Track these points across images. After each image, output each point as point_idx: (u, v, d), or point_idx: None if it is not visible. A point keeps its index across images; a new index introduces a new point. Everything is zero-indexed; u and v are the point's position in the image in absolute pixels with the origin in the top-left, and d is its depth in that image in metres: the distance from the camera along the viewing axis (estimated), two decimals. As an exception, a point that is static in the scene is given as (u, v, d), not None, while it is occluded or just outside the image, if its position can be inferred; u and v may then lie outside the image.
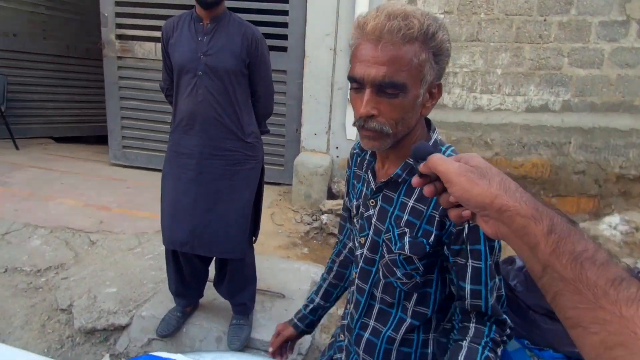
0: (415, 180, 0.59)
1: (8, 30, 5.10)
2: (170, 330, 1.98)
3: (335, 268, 1.24)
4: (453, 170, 0.51)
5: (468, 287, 0.85)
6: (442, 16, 3.28)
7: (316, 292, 1.26)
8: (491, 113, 3.47)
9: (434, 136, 0.92)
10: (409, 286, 0.91)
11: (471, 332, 0.86)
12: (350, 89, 0.86)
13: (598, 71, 3.33)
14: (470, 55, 3.37)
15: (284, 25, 3.72)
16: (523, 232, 0.45)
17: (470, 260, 0.84)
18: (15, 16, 5.12)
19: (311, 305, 1.25)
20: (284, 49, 3.75)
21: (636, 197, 3.53)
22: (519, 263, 1.08)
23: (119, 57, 4.17)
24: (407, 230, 0.88)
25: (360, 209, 0.99)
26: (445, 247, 0.87)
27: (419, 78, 0.80)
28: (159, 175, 1.98)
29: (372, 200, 0.95)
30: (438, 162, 0.54)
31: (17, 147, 4.72)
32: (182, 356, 0.83)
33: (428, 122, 0.94)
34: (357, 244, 1.02)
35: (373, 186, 0.95)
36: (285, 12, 3.69)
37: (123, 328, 2.09)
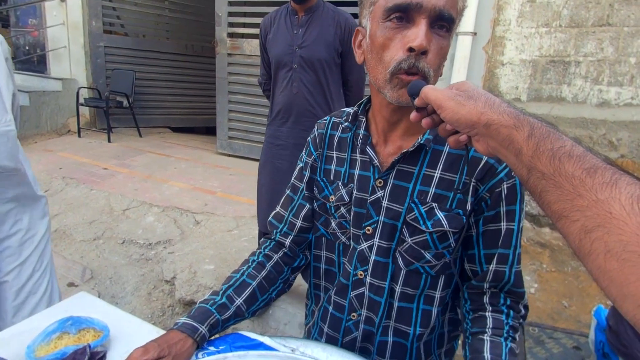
0: (413, 114, 0.61)
1: (139, 32, 5.78)
2: (258, 311, 2.05)
3: (268, 266, 0.94)
4: (442, 97, 0.54)
5: (497, 252, 0.79)
6: (564, -1, 2.94)
7: (236, 289, 0.88)
8: (619, 108, 3.02)
9: None
10: (437, 268, 0.82)
11: (489, 322, 0.79)
12: (385, 21, 0.70)
13: None
14: (597, 42, 2.96)
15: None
16: (508, 141, 0.48)
17: (504, 223, 0.78)
18: (145, 19, 5.77)
19: (232, 309, 0.85)
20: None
21: None
22: None
23: (229, 54, 4.45)
24: (434, 205, 0.79)
25: (355, 195, 0.85)
26: (473, 216, 0.80)
27: (455, 28, 0.73)
28: (257, 164, 2.09)
29: (380, 180, 0.82)
30: (429, 91, 0.57)
31: (140, 135, 5.32)
32: (269, 339, 0.82)
33: None
34: (356, 238, 0.86)
35: (378, 164, 0.82)
36: None
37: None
